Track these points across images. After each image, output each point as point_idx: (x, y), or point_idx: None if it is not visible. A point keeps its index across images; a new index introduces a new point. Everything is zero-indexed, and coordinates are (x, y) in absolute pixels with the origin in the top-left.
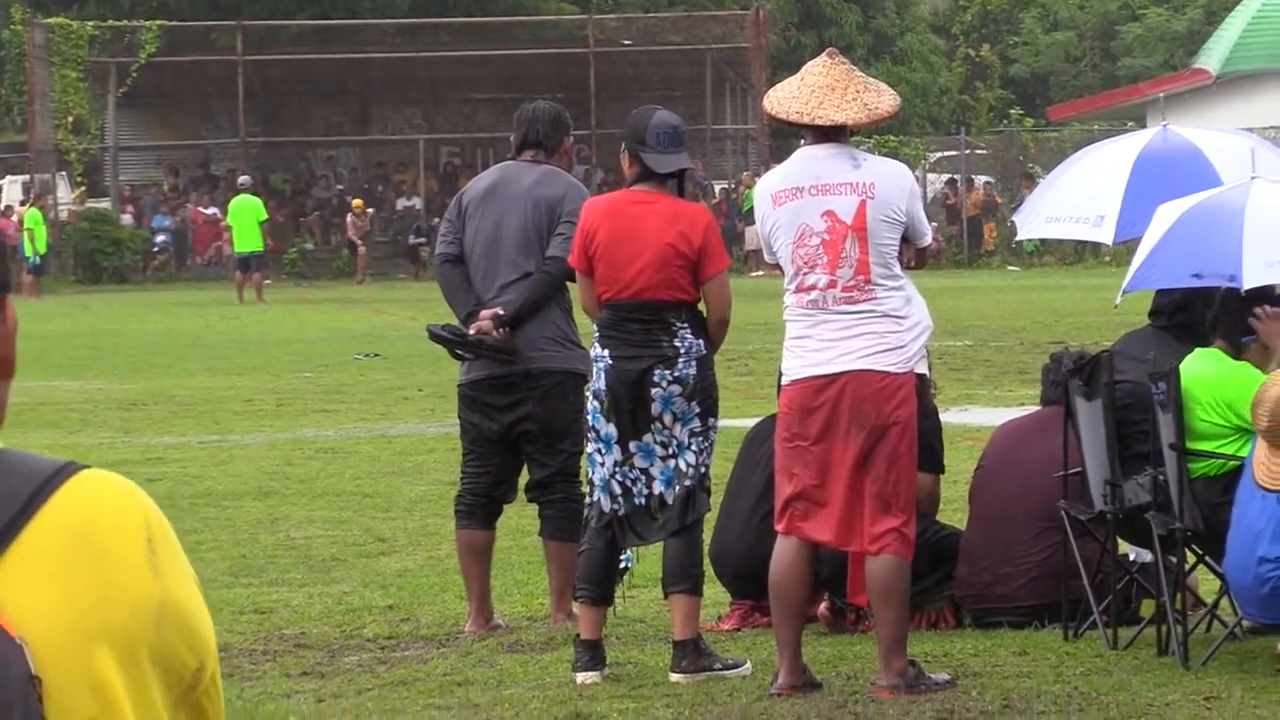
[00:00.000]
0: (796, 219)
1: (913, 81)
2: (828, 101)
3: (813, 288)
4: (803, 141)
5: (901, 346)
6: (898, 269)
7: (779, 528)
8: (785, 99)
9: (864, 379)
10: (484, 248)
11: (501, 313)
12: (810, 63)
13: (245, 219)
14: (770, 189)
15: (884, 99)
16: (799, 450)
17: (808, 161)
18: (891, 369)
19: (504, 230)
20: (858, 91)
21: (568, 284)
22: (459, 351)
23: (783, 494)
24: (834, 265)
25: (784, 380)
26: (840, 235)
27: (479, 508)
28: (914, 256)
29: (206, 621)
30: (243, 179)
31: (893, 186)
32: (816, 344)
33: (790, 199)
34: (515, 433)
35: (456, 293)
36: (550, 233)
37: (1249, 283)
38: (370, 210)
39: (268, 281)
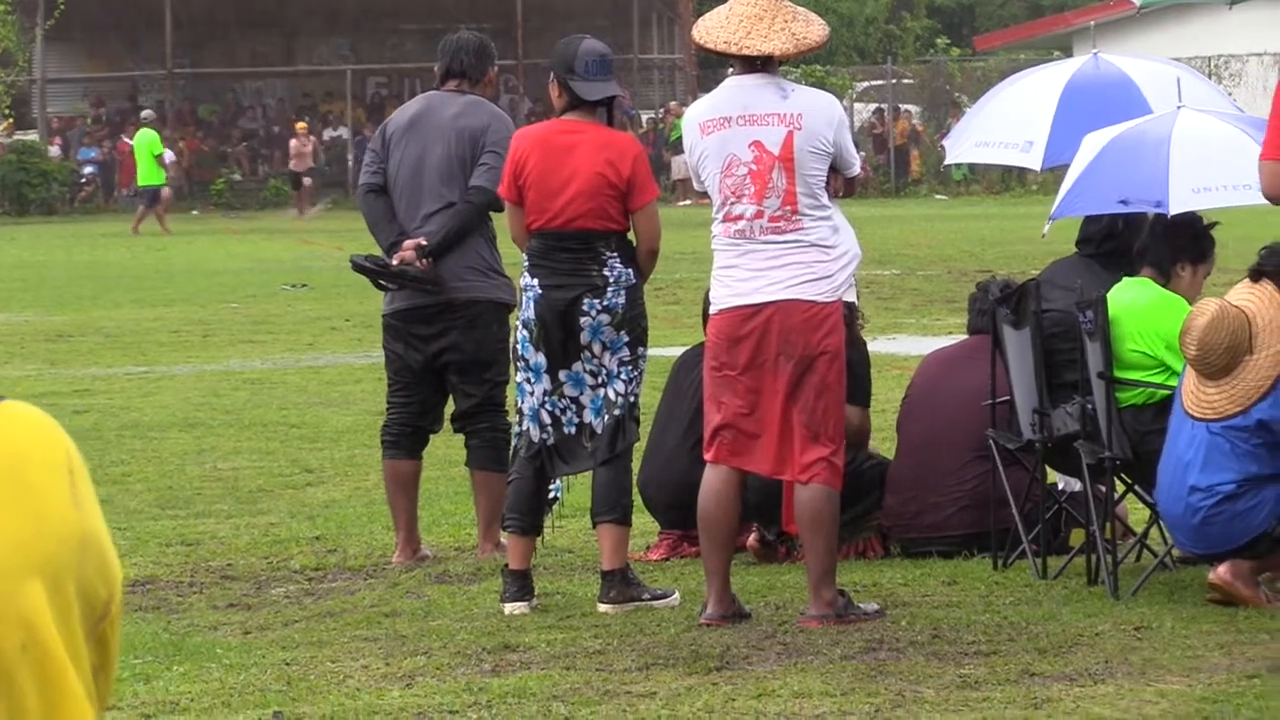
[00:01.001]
0: (724, 148)
1: (839, 11)
2: (755, 31)
3: (740, 217)
4: (730, 71)
5: (829, 276)
6: (825, 199)
7: (707, 457)
8: (713, 28)
9: (791, 308)
10: (408, 178)
11: (424, 243)
12: None
13: (142, 153)
14: (698, 118)
15: (812, 29)
16: (727, 379)
17: (736, 91)
18: (819, 298)
19: (428, 160)
20: (786, 21)
21: (491, 214)
22: (382, 282)
23: (711, 423)
24: (761, 195)
25: (711, 309)
26: (767, 165)
27: (405, 438)
28: (842, 186)
29: (115, 554)
30: (145, 112)
31: (820, 117)
32: (744, 273)
33: (718, 128)
34: (440, 363)
35: (380, 223)
36: (474, 163)
37: (1175, 208)
38: (314, 137)
39: (194, 211)
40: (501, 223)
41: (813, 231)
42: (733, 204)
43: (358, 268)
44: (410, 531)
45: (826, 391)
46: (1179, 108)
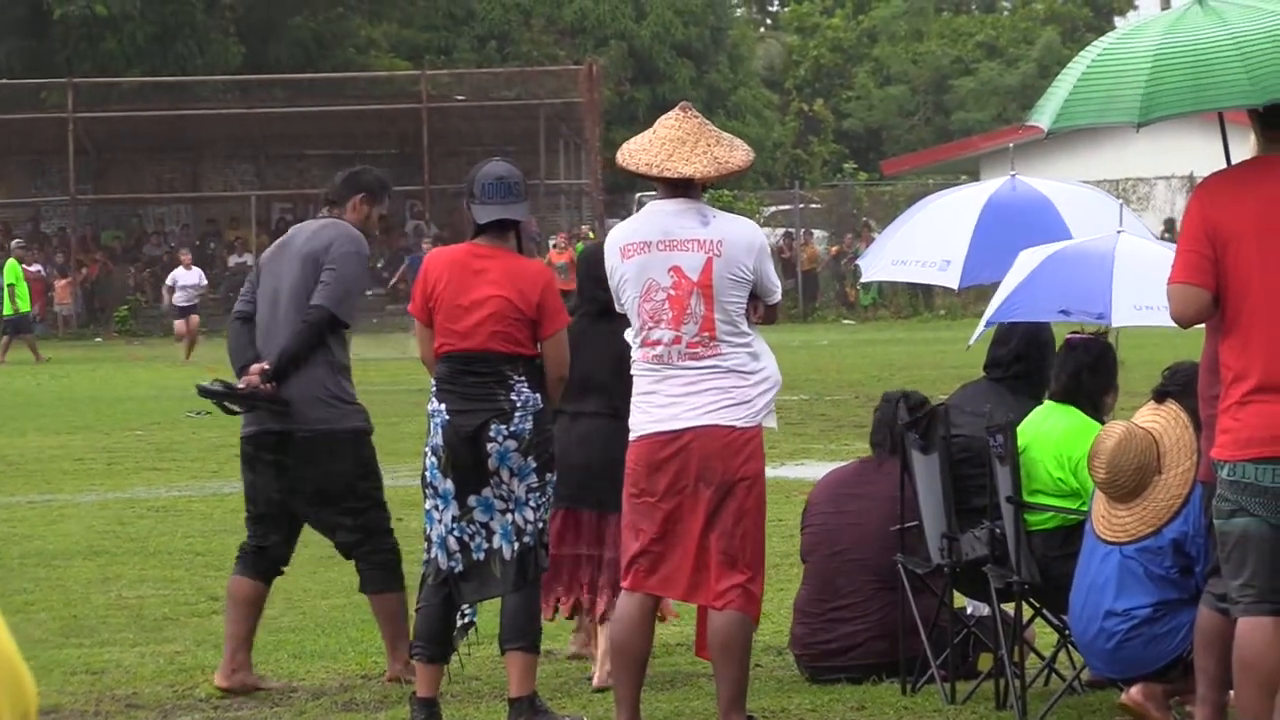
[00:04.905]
0: (643, 273)
1: (746, 136)
2: (677, 154)
3: (658, 343)
4: (638, 197)
5: (748, 401)
6: (745, 325)
7: (624, 584)
8: (637, 151)
9: (710, 434)
10: (267, 306)
11: (267, 366)
12: (663, 116)
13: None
14: (619, 242)
15: (735, 153)
16: (647, 506)
17: (657, 216)
18: (738, 424)
19: (282, 289)
20: (708, 145)
21: (345, 341)
22: (227, 404)
23: (629, 550)
24: (679, 321)
25: (631, 435)
26: (686, 291)
27: (251, 556)
28: (764, 313)
29: (28, 674)
30: (15, 241)
31: (740, 244)
32: (662, 399)
33: (638, 253)
34: (290, 494)
35: (238, 349)
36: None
37: (1117, 321)
38: None
39: (97, 339)
40: (409, 346)
41: (731, 357)
42: (651, 329)
43: (204, 392)
44: (235, 653)
45: (745, 517)
46: (1119, 233)
